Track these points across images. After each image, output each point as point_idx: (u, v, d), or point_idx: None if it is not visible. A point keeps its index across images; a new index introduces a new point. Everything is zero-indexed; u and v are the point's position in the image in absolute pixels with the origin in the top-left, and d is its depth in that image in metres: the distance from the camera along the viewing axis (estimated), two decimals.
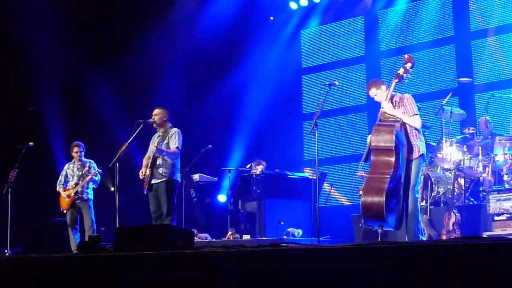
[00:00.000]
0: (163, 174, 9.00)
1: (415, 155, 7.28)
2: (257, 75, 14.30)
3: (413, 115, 7.31)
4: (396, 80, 7.43)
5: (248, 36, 14.50)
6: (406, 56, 7.63)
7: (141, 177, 9.11)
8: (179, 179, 9.27)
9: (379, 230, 7.06)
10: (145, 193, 9.09)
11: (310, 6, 14.13)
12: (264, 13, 14.59)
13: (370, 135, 7.27)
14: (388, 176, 6.96)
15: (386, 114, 7.34)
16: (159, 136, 9.19)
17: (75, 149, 10.73)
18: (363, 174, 7.55)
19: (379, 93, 7.50)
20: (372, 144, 7.14)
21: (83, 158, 10.76)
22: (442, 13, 12.60)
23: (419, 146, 7.31)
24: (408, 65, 7.49)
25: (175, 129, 9.17)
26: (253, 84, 14.27)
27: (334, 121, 13.69)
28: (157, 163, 9.02)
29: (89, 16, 13.54)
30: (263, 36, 14.56)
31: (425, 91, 12.36)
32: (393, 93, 7.43)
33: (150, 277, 4.38)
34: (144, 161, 9.21)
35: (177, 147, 9.02)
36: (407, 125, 7.32)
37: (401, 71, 7.48)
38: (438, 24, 12.63)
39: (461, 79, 10.84)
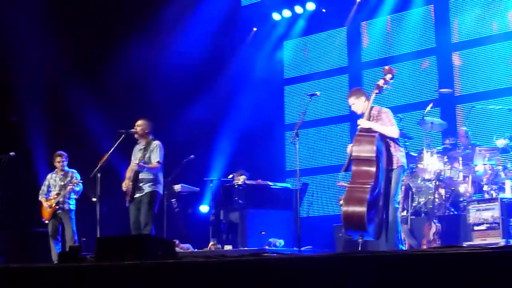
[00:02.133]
0: (146, 187, 9.10)
1: (395, 165, 7.33)
2: (240, 85, 14.31)
3: (391, 126, 7.37)
4: (376, 91, 7.51)
5: (232, 47, 14.54)
6: (386, 67, 7.72)
7: (124, 189, 9.17)
8: (161, 191, 9.38)
9: (360, 240, 7.09)
10: (127, 205, 9.14)
11: (293, 17, 14.19)
12: (248, 24, 14.63)
13: (350, 145, 7.30)
14: (369, 186, 6.98)
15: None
16: (141, 149, 9.23)
17: (58, 158, 10.71)
18: (343, 184, 7.58)
19: (356, 103, 7.59)
20: (353, 154, 7.17)
21: (66, 168, 10.72)
22: (424, 25, 12.70)
23: (398, 157, 7.36)
24: (388, 76, 7.57)
25: (157, 142, 9.22)
26: (236, 94, 14.28)
27: (316, 132, 13.72)
28: (140, 177, 9.12)
29: (73, 26, 13.51)
30: (246, 46, 14.60)
31: (407, 101, 12.45)
32: (372, 105, 7.50)
33: (131, 287, 4.38)
34: (127, 173, 9.26)
35: (158, 161, 9.11)
36: (385, 138, 7.37)
37: (381, 82, 7.56)
38: (420, 35, 12.73)
39: (441, 90, 10.93)
